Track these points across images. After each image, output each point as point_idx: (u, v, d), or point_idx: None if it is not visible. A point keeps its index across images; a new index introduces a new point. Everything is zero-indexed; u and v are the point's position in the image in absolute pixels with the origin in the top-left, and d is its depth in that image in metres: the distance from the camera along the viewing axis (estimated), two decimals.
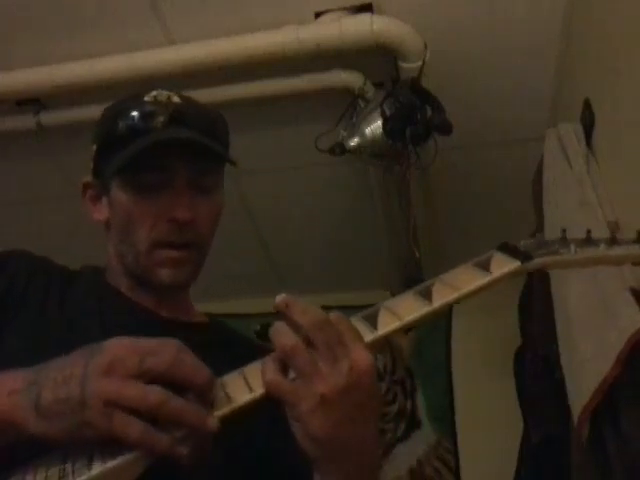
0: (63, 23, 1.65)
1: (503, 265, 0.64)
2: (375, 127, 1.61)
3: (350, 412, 0.57)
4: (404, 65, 1.57)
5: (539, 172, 1.42)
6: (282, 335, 0.58)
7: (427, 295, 0.61)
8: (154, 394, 0.54)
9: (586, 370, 0.95)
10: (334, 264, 2.38)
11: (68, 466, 0.55)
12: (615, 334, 0.87)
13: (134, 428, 0.53)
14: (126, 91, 1.87)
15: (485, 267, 0.64)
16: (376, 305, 0.62)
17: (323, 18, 1.60)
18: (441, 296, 0.61)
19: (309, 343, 0.57)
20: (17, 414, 0.56)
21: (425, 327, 2.39)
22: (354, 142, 1.63)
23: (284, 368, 0.58)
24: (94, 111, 1.82)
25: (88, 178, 0.92)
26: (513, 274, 0.64)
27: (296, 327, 0.58)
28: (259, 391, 0.58)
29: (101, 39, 1.68)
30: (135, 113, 0.84)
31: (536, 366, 1.37)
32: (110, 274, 0.90)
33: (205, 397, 0.57)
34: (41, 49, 1.71)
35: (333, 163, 1.76)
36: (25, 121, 1.86)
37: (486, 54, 1.66)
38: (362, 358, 0.57)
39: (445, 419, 2.19)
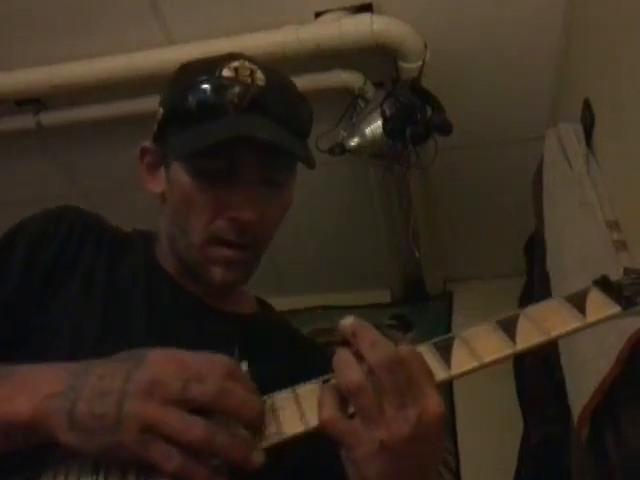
0: (63, 23, 1.65)
1: (600, 308, 0.56)
2: (375, 127, 1.61)
3: (410, 461, 0.53)
4: (404, 65, 1.57)
5: (539, 172, 1.42)
6: (347, 369, 0.52)
7: (510, 331, 0.55)
8: (197, 429, 0.50)
9: (586, 370, 0.94)
10: (334, 264, 2.37)
11: (130, 475, 0.53)
12: (615, 334, 0.87)
13: (172, 460, 0.50)
14: (126, 91, 1.88)
15: (579, 306, 0.57)
16: (451, 334, 0.57)
17: (323, 18, 1.60)
18: (526, 337, 0.55)
19: (375, 381, 0.51)
20: (52, 420, 0.52)
21: (425, 327, 2.39)
22: (354, 142, 1.63)
23: (343, 401, 0.53)
24: (94, 111, 1.83)
25: (147, 143, 0.83)
26: (611, 319, 0.57)
27: (361, 357, 0.52)
28: (313, 424, 0.53)
29: (101, 39, 1.68)
30: (209, 90, 0.73)
31: (536, 367, 1.37)
32: (160, 249, 0.84)
33: (253, 430, 0.53)
34: (41, 49, 1.71)
35: (333, 163, 1.76)
36: (25, 121, 1.86)
37: (486, 54, 1.66)
38: (432, 405, 0.52)
39: (445, 419, 2.18)
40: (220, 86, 0.73)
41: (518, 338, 0.55)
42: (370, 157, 1.68)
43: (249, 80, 0.74)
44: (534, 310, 0.57)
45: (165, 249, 0.83)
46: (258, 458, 0.51)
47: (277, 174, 0.78)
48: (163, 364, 0.53)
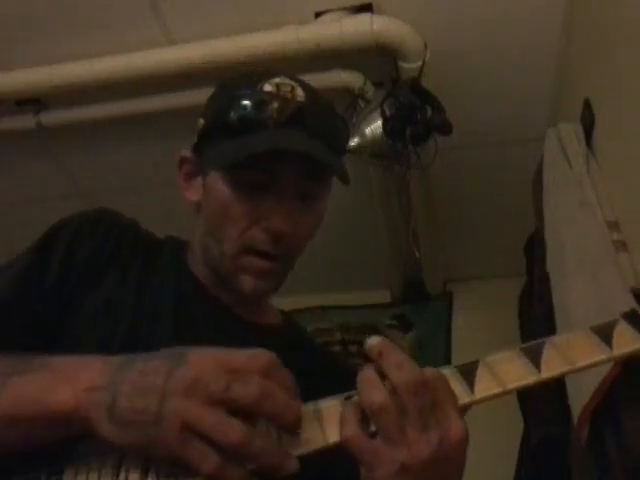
0: (63, 23, 1.65)
1: (627, 341, 0.57)
2: (375, 127, 1.61)
3: None
4: (404, 65, 1.57)
5: (539, 172, 1.42)
6: (372, 388, 0.52)
7: (536, 360, 0.55)
8: (237, 432, 0.50)
9: (586, 370, 0.94)
10: (334, 264, 2.37)
11: (151, 471, 0.53)
12: None
13: (209, 461, 0.50)
14: (126, 91, 1.88)
15: (606, 337, 0.57)
16: (476, 360, 0.57)
17: (323, 18, 1.60)
18: (551, 367, 0.55)
19: (399, 402, 0.52)
20: (92, 413, 0.53)
21: (425, 327, 2.40)
22: (354, 142, 1.63)
23: (365, 419, 0.53)
24: (94, 111, 1.83)
25: (186, 152, 0.85)
26: (639, 353, 0.57)
27: (385, 377, 0.53)
28: (334, 440, 0.53)
29: (101, 39, 1.68)
30: (250, 106, 0.75)
31: None
32: (191, 257, 0.86)
33: (290, 433, 0.53)
34: (41, 49, 1.71)
35: None
36: (25, 121, 1.86)
37: (486, 54, 1.66)
38: (455, 429, 0.53)
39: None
40: (261, 101, 0.75)
41: (543, 366, 0.55)
42: (370, 157, 1.68)
43: (289, 96, 0.76)
44: (560, 339, 0.58)
45: (197, 258, 0.84)
46: (292, 466, 0.51)
47: (312, 187, 0.80)
48: (205, 363, 0.53)
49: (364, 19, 1.53)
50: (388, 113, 1.57)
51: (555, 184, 1.30)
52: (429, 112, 1.56)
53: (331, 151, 0.79)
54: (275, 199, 0.77)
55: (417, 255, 2.06)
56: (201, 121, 0.82)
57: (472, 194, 2.07)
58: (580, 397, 0.94)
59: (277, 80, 0.77)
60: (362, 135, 1.63)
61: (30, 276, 0.75)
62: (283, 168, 0.76)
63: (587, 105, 1.31)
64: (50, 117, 1.85)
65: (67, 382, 0.55)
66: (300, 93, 0.77)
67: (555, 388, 1.15)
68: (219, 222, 0.78)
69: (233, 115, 0.75)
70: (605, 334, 0.57)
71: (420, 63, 1.55)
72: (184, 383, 0.51)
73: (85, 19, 1.65)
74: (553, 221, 1.27)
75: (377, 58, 1.63)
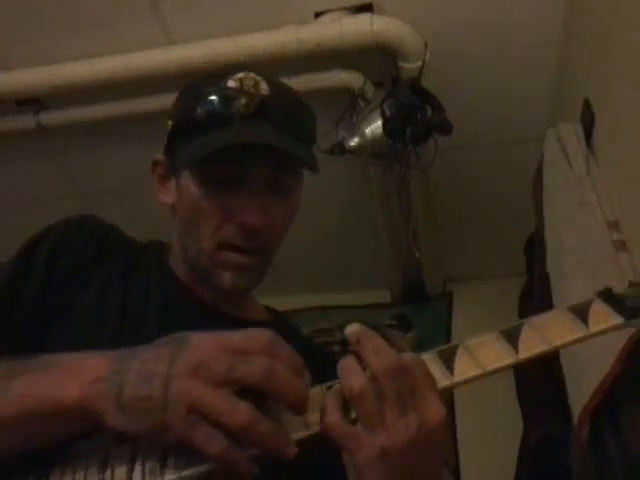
0: (63, 23, 1.65)
1: (603, 319, 0.58)
2: (375, 127, 1.61)
3: (411, 467, 0.53)
4: (404, 65, 1.57)
5: (539, 172, 1.42)
6: (350, 375, 0.53)
7: (513, 341, 0.56)
8: (243, 414, 0.50)
9: (586, 370, 0.94)
10: (334, 264, 2.38)
11: (137, 466, 0.54)
12: (615, 334, 0.87)
13: (216, 444, 0.50)
14: (126, 91, 1.89)
15: (582, 316, 0.58)
16: (455, 344, 0.57)
17: (323, 18, 1.60)
18: (529, 346, 0.56)
19: (378, 387, 0.52)
20: (100, 404, 0.53)
21: (425, 327, 2.40)
22: (354, 142, 1.63)
23: (346, 405, 0.54)
24: (94, 111, 1.83)
25: (159, 155, 0.85)
26: (613, 330, 0.58)
27: (365, 364, 0.53)
28: (315, 428, 0.54)
29: (101, 39, 1.68)
30: (216, 101, 0.76)
31: (536, 366, 1.37)
32: (172, 258, 0.86)
33: (295, 412, 0.53)
34: (41, 49, 1.71)
35: (333, 163, 1.76)
36: (25, 121, 1.86)
37: (486, 54, 1.66)
38: (434, 412, 0.53)
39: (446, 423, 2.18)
40: (226, 96, 0.76)
41: (520, 347, 0.56)
42: (370, 157, 1.68)
43: (253, 90, 0.77)
44: (537, 320, 0.58)
45: (178, 258, 0.85)
46: (292, 451, 0.52)
47: (283, 179, 0.80)
48: (207, 346, 0.53)
49: (364, 19, 1.53)
50: (388, 113, 1.57)
51: (555, 184, 1.30)
52: (429, 112, 1.56)
53: (298, 142, 0.79)
54: (246, 193, 0.77)
55: (417, 255, 2.06)
56: (169, 122, 0.82)
57: (472, 194, 2.07)
58: (580, 397, 0.94)
59: (240, 75, 0.77)
60: (362, 135, 1.63)
61: (13, 284, 0.75)
62: (251, 162, 0.76)
63: (587, 105, 1.31)
64: (50, 117, 1.85)
65: (73, 376, 0.56)
66: (264, 87, 0.77)
67: (555, 388, 1.15)
68: (193, 220, 0.79)
69: (199, 112, 0.76)
70: (581, 313, 0.58)
71: (420, 63, 1.55)
72: (187, 367, 0.52)
73: (85, 19, 1.64)
74: (553, 221, 1.27)
75: (377, 58, 1.63)
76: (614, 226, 1.09)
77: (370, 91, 1.69)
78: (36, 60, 1.69)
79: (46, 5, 1.61)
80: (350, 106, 1.70)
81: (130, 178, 2.09)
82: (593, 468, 0.95)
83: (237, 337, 0.54)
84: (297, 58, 1.58)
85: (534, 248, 1.53)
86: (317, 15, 1.61)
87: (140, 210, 1.90)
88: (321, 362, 0.66)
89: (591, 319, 0.57)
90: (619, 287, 0.86)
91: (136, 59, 1.66)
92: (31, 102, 1.83)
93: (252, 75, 0.78)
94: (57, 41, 1.69)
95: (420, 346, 2.37)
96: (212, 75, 0.81)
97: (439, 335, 2.35)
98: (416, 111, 1.54)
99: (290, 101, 0.81)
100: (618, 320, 0.57)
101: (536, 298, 1.43)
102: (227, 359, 0.52)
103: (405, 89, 1.56)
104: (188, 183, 0.79)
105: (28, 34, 1.68)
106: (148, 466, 0.53)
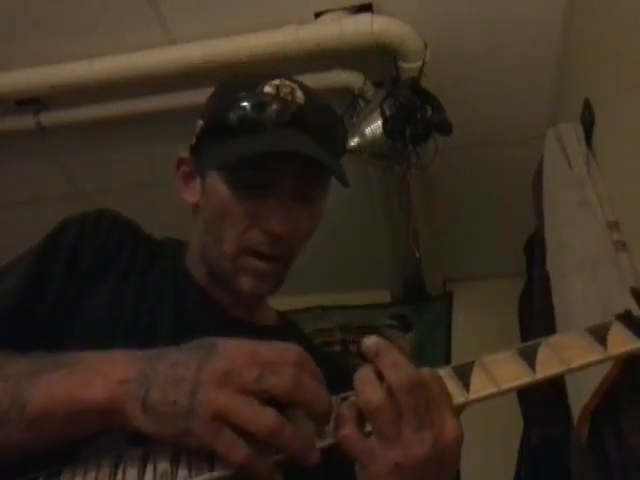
0: (63, 23, 1.65)
1: (622, 342, 0.57)
2: (375, 127, 1.61)
3: None
4: (404, 65, 1.57)
5: (539, 172, 1.42)
6: (368, 388, 0.53)
7: (531, 360, 0.56)
8: (269, 420, 0.50)
9: (586, 370, 0.94)
10: (334, 264, 2.38)
11: (149, 468, 0.53)
12: None
13: (239, 452, 0.50)
14: (126, 91, 1.88)
15: (600, 338, 0.58)
16: (472, 361, 0.57)
17: (323, 18, 1.60)
18: (546, 367, 0.56)
19: (395, 402, 0.52)
20: (126, 405, 0.53)
21: (425, 327, 2.40)
22: (354, 142, 1.63)
23: (361, 418, 0.54)
24: (94, 111, 1.83)
25: (185, 153, 0.85)
26: (632, 354, 0.58)
27: (382, 377, 0.53)
28: (329, 440, 0.54)
29: (101, 39, 1.68)
30: (251, 106, 0.75)
31: None
32: (189, 258, 0.86)
33: (319, 425, 0.53)
34: (41, 49, 1.71)
35: None
36: (25, 121, 1.86)
37: (486, 54, 1.66)
38: (449, 429, 0.53)
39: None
40: (261, 102, 0.76)
41: (538, 367, 0.56)
42: (370, 157, 1.68)
43: (289, 97, 0.77)
44: (554, 339, 0.58)
45: (196, 258, 0.85)
46: (316, 458, 0.52)
47: (311, 189, 0.80)
48: (236, 354, 0.53)
49: (364, 19, 1.53)
50: (388, 113, 1.57)
51: (555, 184, 1.30)
52: (429, 112, 1.56)
53: (330, 153, 0.79)
54: (274, 200, 0.77)
55: (417, 255, 2.06)
56: (200, 122, 0.82)
57: (472, 194, 2.07)
58: (580, 397, 0.94)
59: (277, 82, 0.77)
60: (362, 135, 1.63)
61: (35, 280, 0.75)
62: (282, 169, 0.76)
63: (587, 105, 1.31)
64: (50, 117, 1.85)
65: (100, 376, 0.55)
66: (300, 95, 0.78)
67: (555, 388, 1.15)
68: (218, 223, 0.79)
69: (232, 116, 0.76)
70: (600, 335, 0.58)
71: (420, 63, 1.55)
72: (216, 374, 0.52)
73: (85, 19, 1.64)
74: (553, 221, 1.27)
75: (377, 58, 1.63)
76: (614, 226, 1.09)
77: (370, 91, 1.69)
78: (36, 60, 1.69)
79: (46, 5, 1.61)
80: (350, 106, 1.70)
81: (130, 178, 2.09)
82: (593, 468, 0.95)
83: (266, 349, 0.54)
84: (297, 58, 1.58)
85: (534, 248, 1.53)
86: (317, 15, 1.61)
87: (140, 210, 1.90)
88: (331, 371, 0.66)
89: (609, 342, 0.57)
90: (619, 287, 0.87)
91: (136, 59, 1.66)
92: (31, 102, 1.83)
93: (288, 82, 0.78)
94: (57, 41, 1.69)
95: (420, 346, 2.37)
96: (247, 77, 0.81)
97: (439, 335, 2.35)
98: (416, 111, 1.54)
99: (323, 111, 0.82)
100: (637, 343, 0.57)
101: (536, 298, 1.43)
102: (256, 369, 0.52)
103: (405, 89, 1.56)
104: (217, 185, 0.78)
105: (28, 34, 1.68)
106: (160, 469, 0.53)
